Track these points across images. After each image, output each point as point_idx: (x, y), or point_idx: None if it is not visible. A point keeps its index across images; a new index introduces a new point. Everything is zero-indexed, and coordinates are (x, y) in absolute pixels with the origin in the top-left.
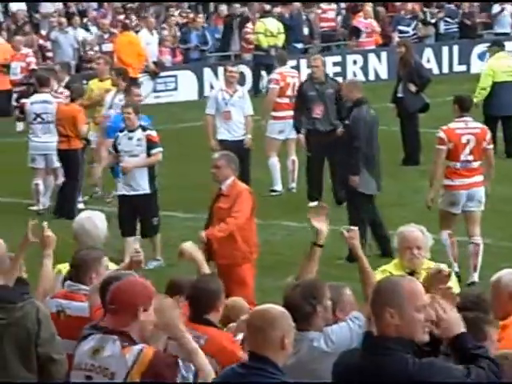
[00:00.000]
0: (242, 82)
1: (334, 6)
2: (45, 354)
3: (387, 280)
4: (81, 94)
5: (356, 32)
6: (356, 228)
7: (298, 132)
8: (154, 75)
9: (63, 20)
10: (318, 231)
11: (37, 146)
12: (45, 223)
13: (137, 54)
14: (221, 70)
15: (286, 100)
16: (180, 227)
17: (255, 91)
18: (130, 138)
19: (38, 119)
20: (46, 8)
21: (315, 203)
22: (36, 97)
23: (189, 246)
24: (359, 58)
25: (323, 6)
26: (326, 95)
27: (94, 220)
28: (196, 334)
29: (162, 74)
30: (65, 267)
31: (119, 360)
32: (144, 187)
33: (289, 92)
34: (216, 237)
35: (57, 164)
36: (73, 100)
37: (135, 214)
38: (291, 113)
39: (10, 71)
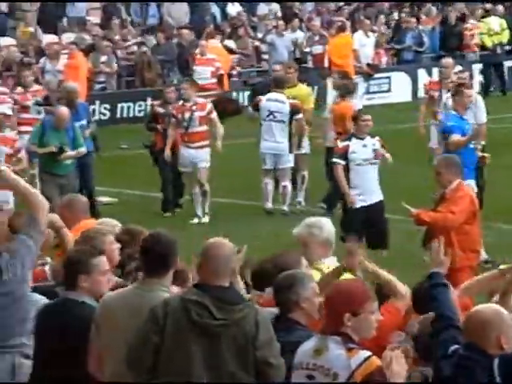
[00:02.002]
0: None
1: None
2: (262, 358)
3: None
4: (350, 91)
5: None
6: None
7: None
8: (367, 77)
9: (280, 22)
10: None
11: (266, 145)
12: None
13: (346, 57)
14: (435, 71)
15: None
16: (397, 231)
17: (485, 92)
18: (365, 146)
19: (271, 116)
20: (263, 10)
21: None
22: (271, 95)
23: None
24: None
25: None
26: None
27: (320, 224)
28: None
29: (376, 75)
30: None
31: (343, 362)
32: (379, 195)
33: None
34: (422, 219)
35: (287, 165)
36: (342, 97)
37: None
38: None
39: (195, 76)
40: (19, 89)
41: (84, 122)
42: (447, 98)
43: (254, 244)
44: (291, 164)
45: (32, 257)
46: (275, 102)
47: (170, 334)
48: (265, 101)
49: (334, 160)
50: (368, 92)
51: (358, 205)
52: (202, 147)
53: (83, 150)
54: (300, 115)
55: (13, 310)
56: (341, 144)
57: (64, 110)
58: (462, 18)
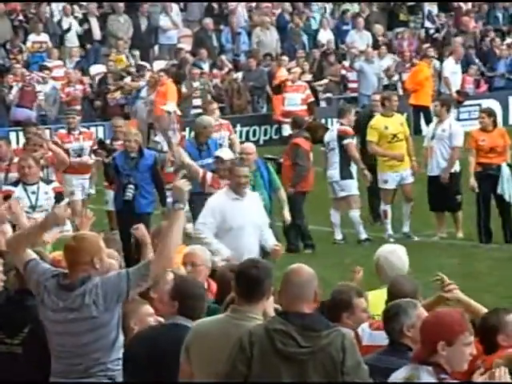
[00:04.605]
0: None
1: None
2: (351, 382)
3: None
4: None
5: None
6: None
7: None
8: (457, 104)
9: (369, 50)
10: None
11: (327, 174)
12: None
13: (420, 84)
14: None
15: None
16: (483, 258)
17: None
18: None
19: (328, 146)
20: (353, 38)
21: None
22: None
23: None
24: None
25: None
26: None
27: (398, 253)
28: None
29: (467, 102)
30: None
31: None
32: None
33: None
34: None
35: (339, 194)
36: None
37: None
38: None
39: (286, 102)
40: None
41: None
42: None
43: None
44: (345, 193)
45: (118, 294)
46: (330, 132)
47: (257, 362)
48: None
49: None
50: (458, 119)
51: None
52: None
53: (282, 190)
54: (347, 140)
55: (95, 336)
56: None
57: (251, 146)
58: None
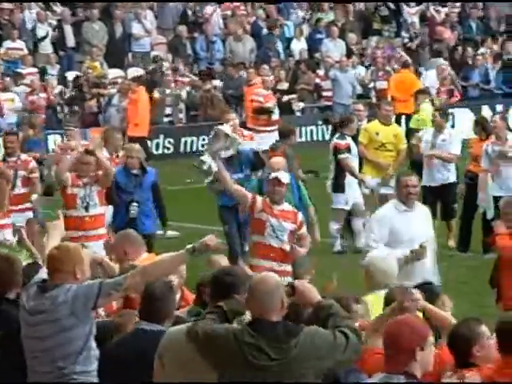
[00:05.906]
0: None
1: None
2: (336, 362)
3: None
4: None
5: None
6: None
7: None
8: None
9: (344, 58)
10: None
11: None
12: None
13: (408, 92)
14: (500, 108)
15: None
16: (458, 266)
17: None
18: None
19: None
20: (327, 47)
21: None
22: None
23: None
24: None
25: None
26: None
27: (388, 261)
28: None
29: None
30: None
31: None
32: None
33: None
34: (497, 241)
35: (331, 205)
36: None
37: None
38: None
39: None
40: None
41: (248, 172)
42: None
43: None
44: (335, 206)
45: (86, 298)
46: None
47: (227, 372)
48: None
49: None
50: None
51: None
52: None
53: (312, 209)
54: (341, 155)
55: (59, 340)
56: None
57: (279, 160)
58: None
